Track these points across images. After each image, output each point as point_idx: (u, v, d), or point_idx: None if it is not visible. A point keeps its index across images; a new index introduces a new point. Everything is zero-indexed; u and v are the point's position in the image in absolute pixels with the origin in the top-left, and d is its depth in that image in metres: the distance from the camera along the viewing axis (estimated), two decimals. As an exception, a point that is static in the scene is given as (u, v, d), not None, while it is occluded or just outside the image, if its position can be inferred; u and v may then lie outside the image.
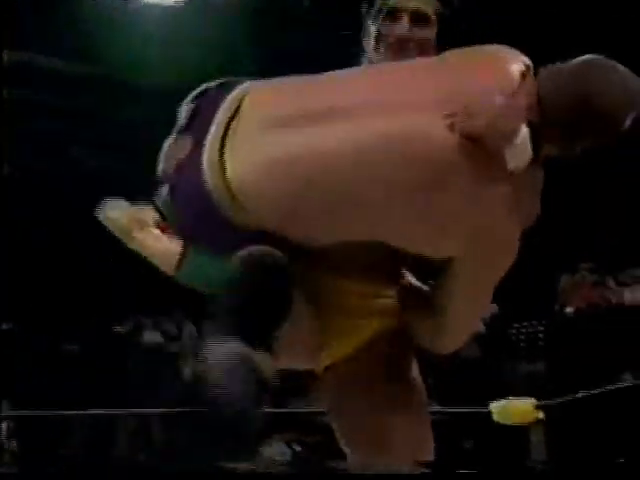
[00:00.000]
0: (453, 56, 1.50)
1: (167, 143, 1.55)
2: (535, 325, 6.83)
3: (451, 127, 1.34)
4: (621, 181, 7.94)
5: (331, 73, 1.53)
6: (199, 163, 1.44)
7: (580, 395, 5.19)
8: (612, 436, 5.08)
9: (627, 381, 5.65)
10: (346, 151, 1.38)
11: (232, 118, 1.45)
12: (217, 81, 1.58)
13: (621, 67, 1.41)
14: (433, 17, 1.66)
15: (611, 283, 7.02)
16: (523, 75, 1.40)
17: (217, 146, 1.43)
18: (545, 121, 1.38)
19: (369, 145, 1.37)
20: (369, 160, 1.38)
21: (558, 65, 1.43)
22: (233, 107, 1.46)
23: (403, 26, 1.64)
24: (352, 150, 1.38)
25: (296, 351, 1.49)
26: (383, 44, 1.65)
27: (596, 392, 5.14)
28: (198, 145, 1.46)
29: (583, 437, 5.25)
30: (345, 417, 1.57)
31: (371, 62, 1.67)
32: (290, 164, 1.40)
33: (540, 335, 6.77)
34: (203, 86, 1.58)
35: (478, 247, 1.39)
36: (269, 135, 1.42)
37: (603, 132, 1.40)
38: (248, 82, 1.53)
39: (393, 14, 1.65)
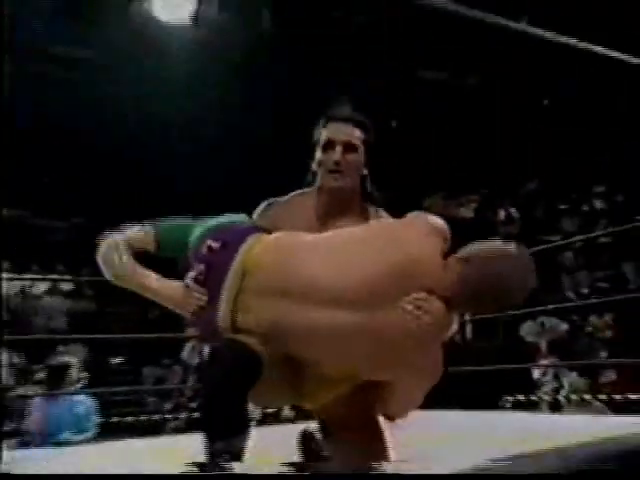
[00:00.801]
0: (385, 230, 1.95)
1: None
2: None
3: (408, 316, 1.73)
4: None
5: (315, 243, 1.89)
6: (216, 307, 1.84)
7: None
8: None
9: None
10: (319, 330, 1.74)
11: (242, 278, 1.84)
12: (230, 219, 2.01)
13: (523, 256, 1.85)
14: (360, 145, 2.10)
15: (452, 204, 11.52)
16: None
17: (231, 307, 1.84)
18: (461, 294, 1.80)
19: (341, 329, 1.73)
20: (340, 341, 1.75)
21: (470, 250, 1.87)
22: (239, 274, 1.84)
23: (337, 152, 2.07)
24: (323, 331, 1.75)
25: (280, 396, 1.96)
26: (324, 167, 2.08)
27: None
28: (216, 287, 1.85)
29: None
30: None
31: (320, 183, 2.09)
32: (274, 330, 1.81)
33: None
34: (222, 220, 2.01)
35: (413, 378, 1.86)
36: (266, 300, 1.81)
37: (500, 306, 1.94)
38: (253, 237, 1.92)
39: (330, 144, 2.08)
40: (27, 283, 10.55)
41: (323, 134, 2.11)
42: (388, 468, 1.97)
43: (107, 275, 2.01)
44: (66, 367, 5.05)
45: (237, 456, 1.72)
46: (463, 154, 11.64)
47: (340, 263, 1.79)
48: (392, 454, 2.04)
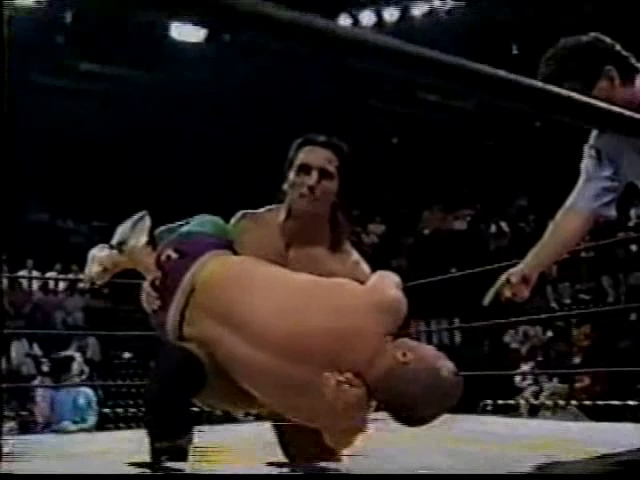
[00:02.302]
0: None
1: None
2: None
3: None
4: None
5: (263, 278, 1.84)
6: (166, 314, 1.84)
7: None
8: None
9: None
10: (243, 365, 1.72)
11: (191, 292, 1.82)
12: (199, 228, 1.98)
13: (457, 385, 1.71)
14: (335, 173, 1.93)
15: (449, 217, 11.67)
16: None
17: (178, 318, 1.82)
18: (381, 393, 1.69)
19: (260, 370, 1.71)
20: (259, 380, 1.73)
21: (411, 352, 1.70)
22: (187, 289, 1.82)
23: (312, 178, 1.91)
24: (245, 367, 1.73)
25: (229, 402, 1.95)
26: (297, 190, 1.92)
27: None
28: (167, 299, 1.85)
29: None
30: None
31: (291, 205, 1.95)
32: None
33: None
34: (191, 229, 1.98)
35: None
36: (208, 320, 1.78)
37: (412, 419, 1.73)
38: (211, 253, 1.89)
39: (305, 168, 1.93)
40: (49, 281, 10.62)
41: (299, 156, 1.94)
42: (341, 466, 1.94)
43: (116, 240, 2.07)
44: (69, 360, 5.07)
45: (180, 455, 1.71)
46: (459, 170, 11.61)
47: (282, 309, 1.70)
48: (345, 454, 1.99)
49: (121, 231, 2.08)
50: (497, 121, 10.90)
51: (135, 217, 2.08)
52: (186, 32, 9.84)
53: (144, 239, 2.03)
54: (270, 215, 2.02)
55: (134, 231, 2.04)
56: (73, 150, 11.02)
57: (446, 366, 1.69)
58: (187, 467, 1.72)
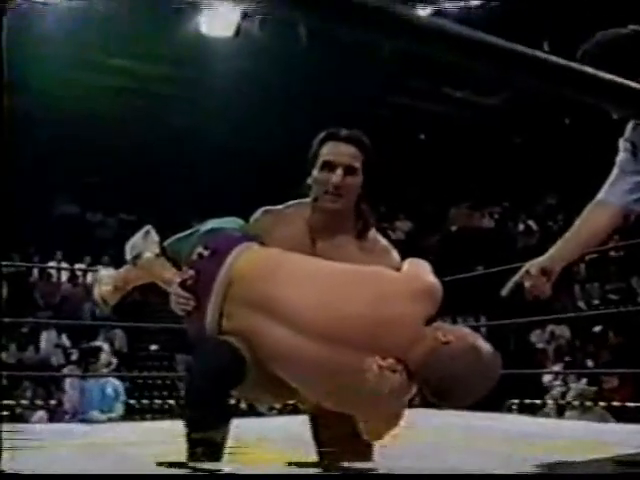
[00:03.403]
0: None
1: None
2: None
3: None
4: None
5: (298, 266, 1.83)
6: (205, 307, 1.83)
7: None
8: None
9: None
10: (281, 349, 1.72)
11: (228, 286, 1.81)
12: (222, 225, 1.99)
13: (496, 361, 1.72)
14: (360, 168, 1.93)
15: (477, 215, 11.77)
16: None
17: (217, 313, 1.82)
18: (424, 376, 1.69)
19: (299, 355, 1.71)
20: (297, 365, 1.73)
21: (451, 333, 1.70)
22: (225, 283, 1.82)
23: (338, 175, 1.90)
24: (284, 351, 1.72)
25: (268, 394, 1.96)
26: (321, 187, 1.92)
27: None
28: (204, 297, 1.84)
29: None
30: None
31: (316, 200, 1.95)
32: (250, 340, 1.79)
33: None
34: (215, 226, 1.98)
35: None
36: (245, 309, 1.79)
37: (454, 402, 1.77)
38: (242, 246, 1.89)
39: (329, 165, 1.91)
40: (78, 273, 10.75)
41: (323, 152, 1.93)
42: (379, 467, 1.93)
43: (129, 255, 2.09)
44: (97, 350, 5.14)
45: (215, 449, 1.73)
46: (487, 167, 11.52)
47: (323, 296, 1.72)
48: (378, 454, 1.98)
49: (133, 245, 2.09)
50: (526, 118, 10.78)
51: (142, 231, 2.10)
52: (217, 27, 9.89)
53: (157, 250, 2.04)
54: (293, 210, 2.02)
55: (146, 244, 2.06)
56: (104, 144, 11.14)
57: (485, 344, 1.71)
58: (220, 464, 1.74)
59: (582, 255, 2.49)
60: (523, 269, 1.97)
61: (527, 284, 1.95)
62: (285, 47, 9.27)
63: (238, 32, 9.63)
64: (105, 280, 2.18)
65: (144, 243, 2.06)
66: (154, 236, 2.08)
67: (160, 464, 1.74)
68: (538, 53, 0.78)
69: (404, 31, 0.71)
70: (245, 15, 9.42)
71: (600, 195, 1.99)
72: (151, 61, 10.77)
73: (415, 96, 11.86)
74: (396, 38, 0.74)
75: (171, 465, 1.73)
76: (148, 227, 2.10)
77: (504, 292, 1.96)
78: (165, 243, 2.07)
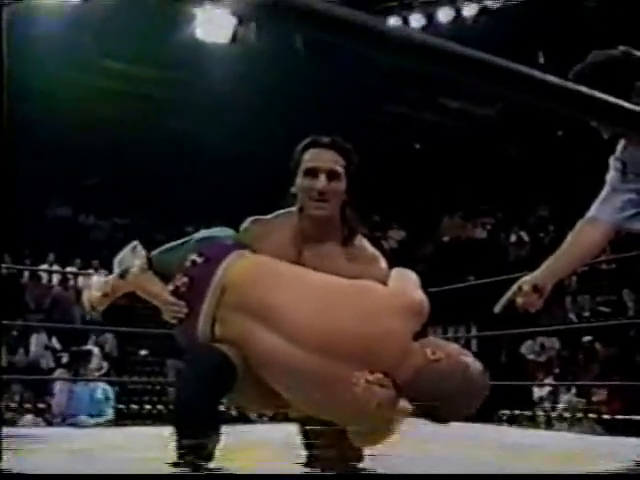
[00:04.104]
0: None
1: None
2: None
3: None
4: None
5: (293, 275, 1.85)
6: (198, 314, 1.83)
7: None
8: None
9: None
10: (272, 357, 1.73)
11: (222, 293, 1.82)
12: (214, 234, 2.00)
13: (483, 379, 1.75)
14: (343, 173, 1.94)
15: (469, 225, 11.71)
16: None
17: (210, 320, 1.82)
18: (412, 391, 1.70)
19: (290, 362, 1.71)
20: (288, 373, 1.73)
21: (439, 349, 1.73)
22: (218, 290, 1.82)
23: (321, 181, 1.92)
24: (275, 358, 1.73)
25: (259, 401, 1.95)
26: (306, 194, 1.93)
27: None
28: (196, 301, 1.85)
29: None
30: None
31: (302, 208, 1.96)
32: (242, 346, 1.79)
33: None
34: (207, 234, 2.00)
35: None
36: (237, 315, 1.80)
37: (443, 416, 1.75)
38: (235, 253, 1.90)
39: (313, 172, 1.93)
40: (68, 276, 10.70)
41: (305, 159, 1.95)
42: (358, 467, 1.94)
43: (117, 270, 2.10)
44: (87, 354, 5.12)
45: (205, 455, 1.73)
46: (481, 178, 11.56)
47: (315, 307, 1.73)
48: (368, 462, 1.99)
49: (121, 261, 2.11)
50: (519, 129, 10.84)
51: (129, 246, 2.12)
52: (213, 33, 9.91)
53: (144, 266, 2.05)
54: (281, 220, 2.03)
55: (133, 259, 2.07)
56: (100, 147, 11.12)
57: (473, 363, 1.73)
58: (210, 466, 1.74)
59: (572, 272, 2.51)
60: (515, 285, 1.98)
61: (519, 301, 1.97)
62: (282, 55, 9.30)
63: (234, 38, 9.64)
64: (95, 286, 2.19)
65: (132, 258, 2.08)
66: (141, 251, 2.10)
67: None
68: (528, 70, 0.79)
69: (392, 46, 0.72)
70: (241, 21, 9.45)
71: (591, 212, 2.01)
72: (148, 64, 10.78)
73: (411, 106, 11.91)
74: (386, 53, 0.74)
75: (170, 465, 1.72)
76: (135, 243, 2.12)
77: (497, 309, 1.98)
78: (153, 253, 2.09)
